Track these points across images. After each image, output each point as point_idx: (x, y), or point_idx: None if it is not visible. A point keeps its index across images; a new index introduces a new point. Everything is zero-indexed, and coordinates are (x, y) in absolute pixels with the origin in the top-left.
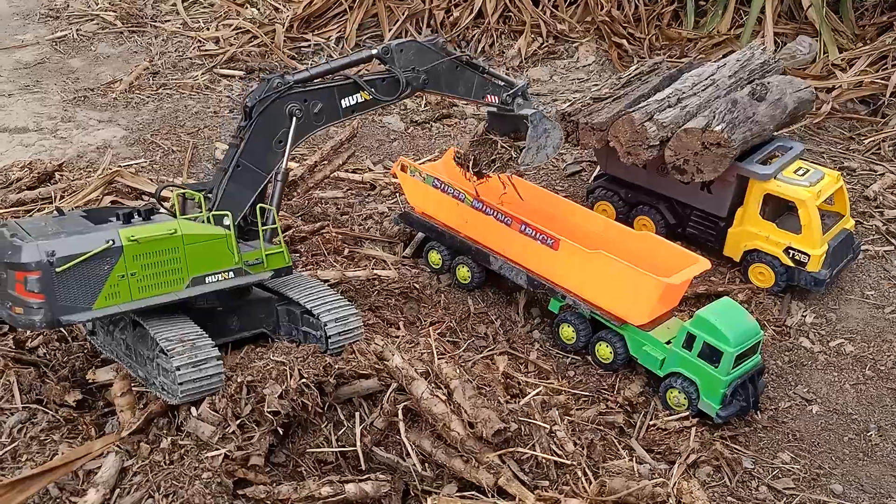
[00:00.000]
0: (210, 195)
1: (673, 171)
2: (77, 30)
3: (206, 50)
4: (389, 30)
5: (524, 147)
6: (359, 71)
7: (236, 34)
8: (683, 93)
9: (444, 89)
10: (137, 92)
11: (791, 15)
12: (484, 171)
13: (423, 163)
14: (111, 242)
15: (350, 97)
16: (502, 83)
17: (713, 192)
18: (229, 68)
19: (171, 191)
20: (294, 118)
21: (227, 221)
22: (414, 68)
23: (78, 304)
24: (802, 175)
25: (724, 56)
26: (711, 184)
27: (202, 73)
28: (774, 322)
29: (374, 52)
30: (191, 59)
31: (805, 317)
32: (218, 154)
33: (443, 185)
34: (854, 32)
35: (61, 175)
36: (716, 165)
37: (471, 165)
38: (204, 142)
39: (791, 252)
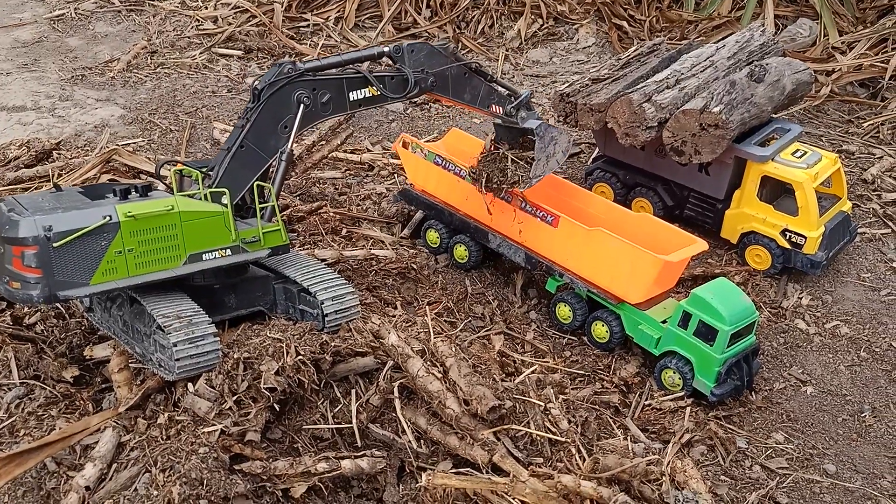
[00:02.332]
0: (211, 173)
1: (671, 153)
2: (75, 8)
3: (204, 29)
4: (388, 10)
5: (534, 160)
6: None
7: (235, 13)
8: (682, 74)
9: (450, 94)
10: (135, 71)
11: None
12: (501, 187)
13: (422, 142)
14: (108, 218)
15: (358, 91)
16: (507, 93)
17: (711, 174)
18: (228, 48)
19: (169, 168)
20: (302, 105)
21: (224, 199)
22: (423, 70)
23: (75, 279)
24: (800, 157)
25: (724, 38)
26: (709, 165)
27: (200, 53)
28: (770, 304)
29: (385, 49)
30: (189, 38)
31: (801, 299)
32: (216, 134)
33: (444, 162)
34: (855, 15)
35: (59, 153)
36: (713, 147)
37: (483, 183)
38: (202, 121)
39: (788, 234)
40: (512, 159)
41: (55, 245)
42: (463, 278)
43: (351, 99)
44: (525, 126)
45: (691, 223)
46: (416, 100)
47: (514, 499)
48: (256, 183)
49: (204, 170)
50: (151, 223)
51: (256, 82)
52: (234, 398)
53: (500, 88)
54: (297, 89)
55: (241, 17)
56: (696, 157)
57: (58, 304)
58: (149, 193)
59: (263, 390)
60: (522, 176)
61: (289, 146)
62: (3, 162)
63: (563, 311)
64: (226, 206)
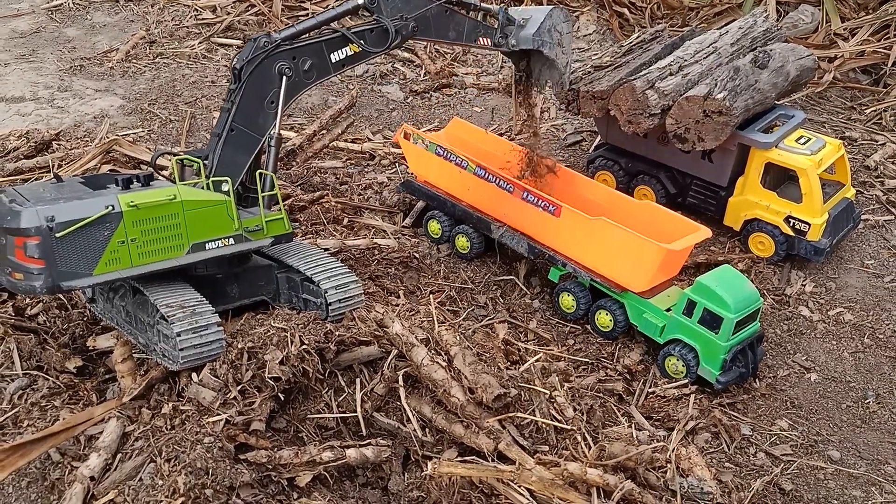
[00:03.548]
0: (206, 161)
1: (674, 140)
2: None
3: (202, 19)
4: None
5: (553, 59)
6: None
7: (234, 3)
8: (685, 61)
9: (434, 35)
10: (134, 61)
11: None
12: (538, 92)
13: (424, 132)
14: (111, 208)
15: (339, 51)
16: (482, 15)
17: (714, 161)
18: (227, 37)
19: (168, 158)
20: (284, 77)
21: (226, 188)
22: (402, 16)
23: (78, 269)
24: (804, 144)
25: (726, 24)
26: (712, 153)
27: (199, 43)
28: (774, 291)
29: (360, 1)
30: (188, 27)
31: (804, 286)
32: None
33: (445, 153)
34: (857, 1)
35: (58, 144)
36: (717, 134)
37: (524, 100)
38: (202, 111)
39: (791, 221)
40: (535, 67)
41: (58, 235)
42: (465, 267)
43: (333, 61)
44: (522, 48)
45: (694, 211)
46: (416, 88)
47: (520, 486)
48: (258, 172)
49: (200, 158)
50: (154, 213)
51: (235, 61)
52: (239, 388)
53: (478, 16)
54: (278, 61)
55: (239, 7)
56: (699, 145)
57: (60, 295)
58: (151, 183)
59: (268, 380)
60: (550, 82)
61: (276, 128)
62: (3, 153)
63: (567, 301)
64: (227, 194)
